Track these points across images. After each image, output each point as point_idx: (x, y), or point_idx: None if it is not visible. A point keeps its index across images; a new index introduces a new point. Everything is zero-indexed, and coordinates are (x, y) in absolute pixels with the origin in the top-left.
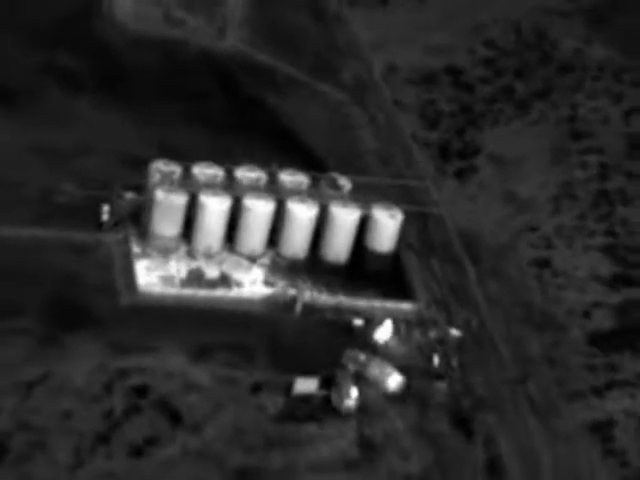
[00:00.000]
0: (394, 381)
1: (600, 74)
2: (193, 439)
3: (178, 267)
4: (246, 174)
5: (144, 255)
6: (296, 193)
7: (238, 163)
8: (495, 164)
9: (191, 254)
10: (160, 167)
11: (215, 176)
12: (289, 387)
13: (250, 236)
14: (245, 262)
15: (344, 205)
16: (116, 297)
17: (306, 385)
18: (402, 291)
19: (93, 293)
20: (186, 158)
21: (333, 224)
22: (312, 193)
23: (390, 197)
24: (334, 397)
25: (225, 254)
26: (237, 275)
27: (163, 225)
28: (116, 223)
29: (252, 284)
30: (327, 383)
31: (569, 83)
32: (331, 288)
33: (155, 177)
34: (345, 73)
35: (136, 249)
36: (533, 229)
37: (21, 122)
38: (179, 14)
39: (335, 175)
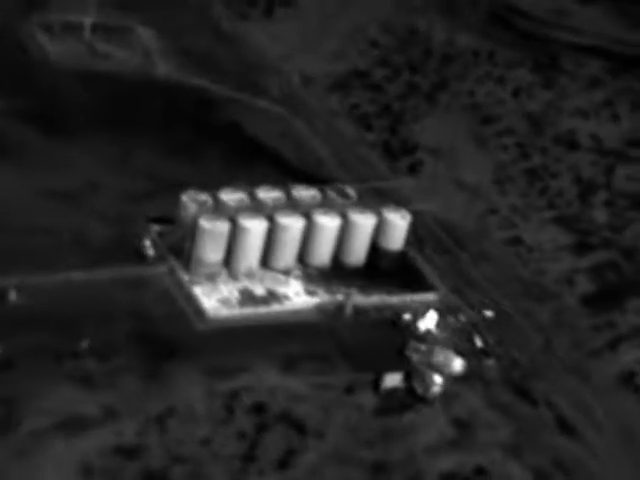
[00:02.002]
0: (458, 364)
1: (477, 60)
2: (322, 444)
3: (229, 289)
4: (267, 194)
5: (194, 282)
6: (319, 206)
7: (232, 184)
8: (435, 156)
9: (233, 275)
10: (192, 197)
11: (242, 200)
12: (376, 383)
13: (285, 252)
14: (281, 276)
15: (361, 212)
16: (189, 324)
17: (393, 379)
18: (422, 283)
19: (167, 323)
20: (184, 185)
21: (354, 230)
22: (332, 204)
23: (372, 199)
24: (418, 386)
25: (261, 271)
26: (280, 289)
27: (209, 252)
28: (160, 255)
29: (297, 296)
30: (407, 375)
31: (456, 72)
32: (365, 289)
33: (192, 207)
34: (271, 87)
35: (185, 277)
36: (492, 212)
37: (16, 168)
38: (104, 48)
39: (341, 185)
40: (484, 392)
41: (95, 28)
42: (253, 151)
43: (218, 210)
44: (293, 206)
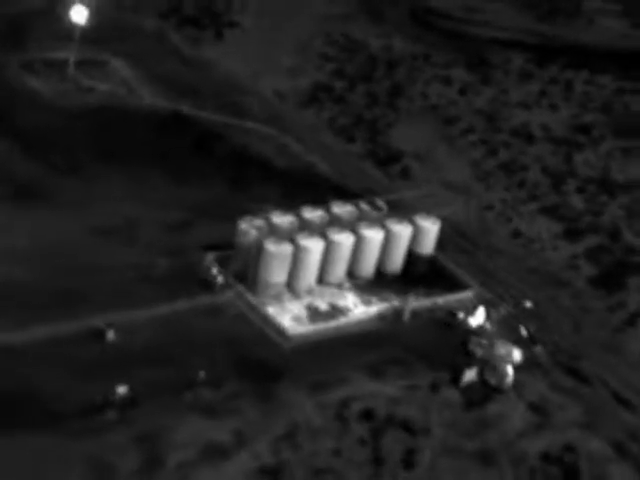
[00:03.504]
0: (518, 355)
1: (416, 63)
2: (430, 440)
3: (296, 307)
4: (311, 214)
5: (263, 304)
6: (360, 220)
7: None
8: (419, 161)
9: (295, 293)
10: (249, 223)
11: (293, 222)
12: (455, 379)
13: (338, 267)
14: (335, 290)
15: (399, 222)
16: (276, 344)
17: (470, 375)
18: (457, 283)
19: (256, 345)
20: (212, 210)
21: (396, 240)
22: (370, 217)
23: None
24: (492, 379)
25: (318, 287)
26: (340, 302)
27: (275, 273)
28: (227, 281)
29: (355, 306)
30: (480, 369)
31: (403, 77)
32: (412, 294)
33: (253, 233)
34: (250, 107)
35: (254, 300)
36: (488, 208)
37: (50, 210)
38: (87, 83)
39: (372, 198)
40: (545, 378)
41: (77, 64)
42: (257, 169)
43: (276, 233)
44: (337, 222)
